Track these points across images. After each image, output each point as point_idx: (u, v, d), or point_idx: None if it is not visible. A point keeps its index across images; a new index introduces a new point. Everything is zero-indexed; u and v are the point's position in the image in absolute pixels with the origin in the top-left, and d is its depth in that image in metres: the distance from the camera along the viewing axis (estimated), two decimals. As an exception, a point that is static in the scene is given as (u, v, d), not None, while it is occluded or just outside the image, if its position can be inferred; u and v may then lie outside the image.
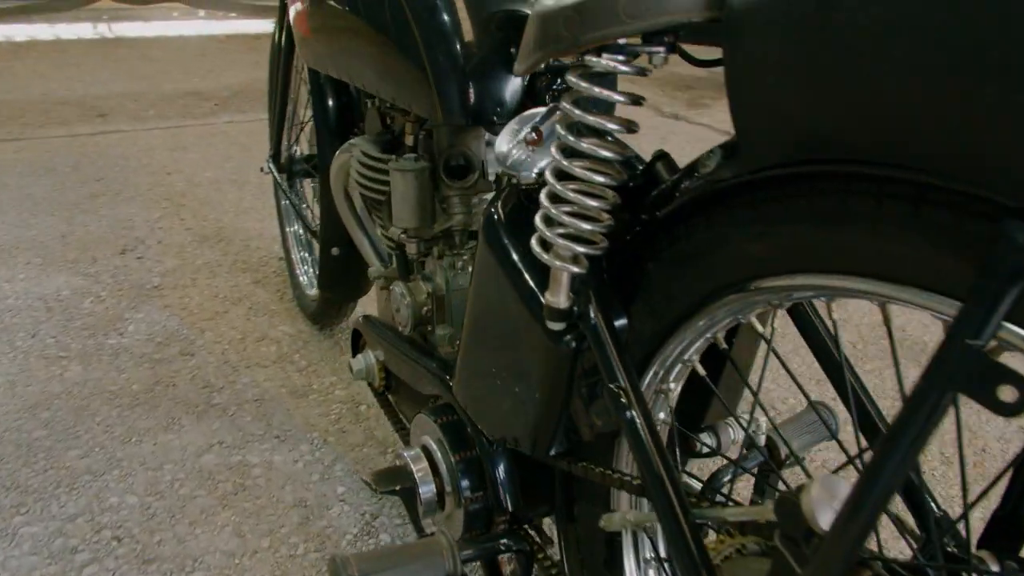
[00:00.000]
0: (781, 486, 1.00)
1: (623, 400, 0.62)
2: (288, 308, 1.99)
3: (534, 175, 0.70)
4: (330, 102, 1.43)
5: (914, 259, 0.47)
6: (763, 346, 0.81)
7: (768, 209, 0.56)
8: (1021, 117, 0.37)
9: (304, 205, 1.88)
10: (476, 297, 0.81)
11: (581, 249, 0.62)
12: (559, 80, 0.86)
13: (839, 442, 0.64)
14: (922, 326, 1.95)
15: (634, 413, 0.61)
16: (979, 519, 0.65)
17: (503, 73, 0.86)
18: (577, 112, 0.59)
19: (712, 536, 0.67)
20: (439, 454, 0.95)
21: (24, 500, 1.30)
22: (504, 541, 0.87)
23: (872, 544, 0.52)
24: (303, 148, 1.86)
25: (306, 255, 1.96)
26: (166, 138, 3.41)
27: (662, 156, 0.67)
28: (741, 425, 0.78)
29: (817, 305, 0.72)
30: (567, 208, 0.62)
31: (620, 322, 0.67)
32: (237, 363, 1.73)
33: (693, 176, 0.61)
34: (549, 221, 0.64)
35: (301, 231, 1.96)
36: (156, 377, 1.67)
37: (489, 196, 1.13)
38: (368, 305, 1.92)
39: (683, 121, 4.00)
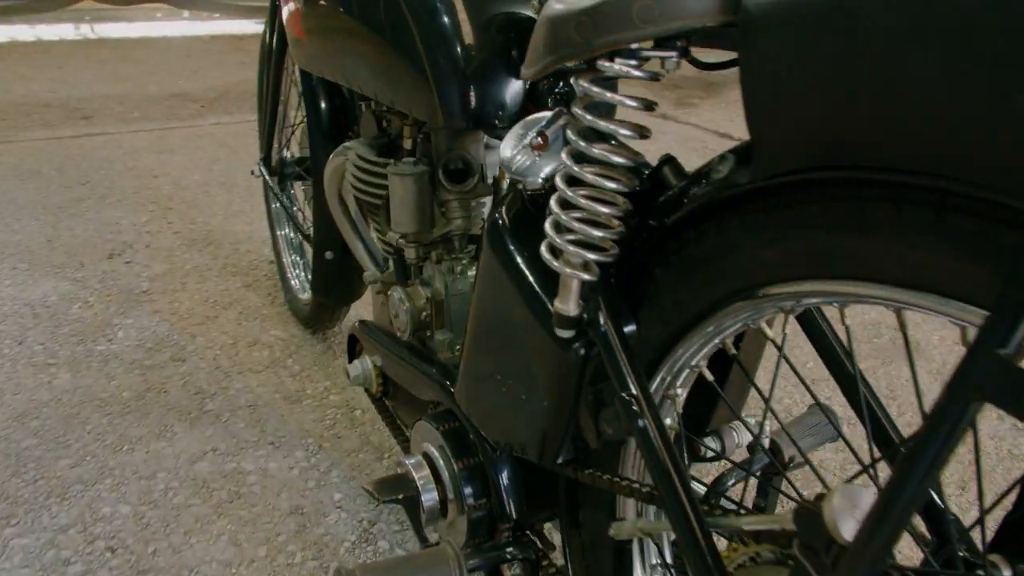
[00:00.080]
0: (785, 488, 1.00)
1: (635, 408, 0.61)
2: (280, 312, 1.97)
3: (540, 180, 0.69)
4: (323, 104, 1.42)
5: (934, 266, 0.46)
6: (770, 350, 0.81)
7: (782, 215, 0.55)
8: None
9: (295, 208, 1.86)
10: (480, 303, 0.80)
11: (592, 256, 0.62)
12: (561, 83, 0.85)
13: (849, 445, 0.64)
14: (914, 325, 1.96)
15: (646, 421, 0.61)
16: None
17: (504, 76, 0.85)
18: (589, 117, 0.58)
19: (723, 543, 0.66)
20: (441, 461, 0.94)
21: (14, 511, 1.28)
22: (510, 549, 0.86)
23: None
24: (294, 151, 1.84)
25: (297, 259, 1.95)
26: (152, 140, 3.38)
27: (669, 160, 0.66)
28: (750, 429, 0.78)
29: (826, 310, 0.72)
30: (577, 214, 0.61)
31: (629, 328, 0.66)
32: (229, 368, 1.71)
33: (704, 181, 0.60)
34: (559, 227, 0.63)
35: (292, 234, 1.94)
36: (147, 384, 1.65)
37: (487, 200, 1.13)
38: (361, 309, 1.90)
39: (671, 121, 4.00)
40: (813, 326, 0.73)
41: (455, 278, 1.07)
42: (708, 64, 0.63)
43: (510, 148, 0.72)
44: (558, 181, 0.62)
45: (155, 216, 2.55)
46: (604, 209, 0.60)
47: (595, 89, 0.57)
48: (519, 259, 0.72)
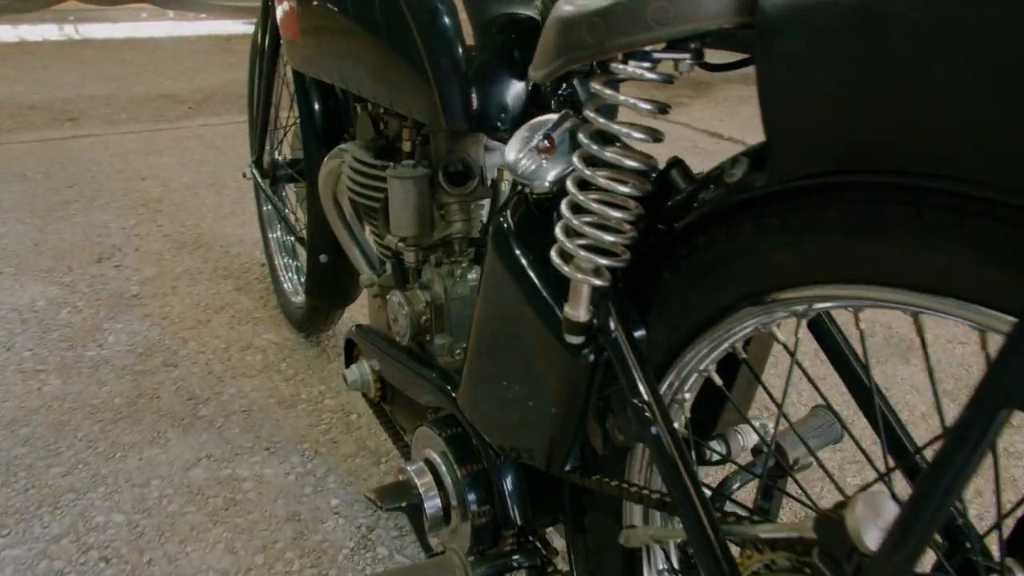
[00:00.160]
0: (789, 489, 0.99)
1: (647, 414, 0.61)
2: (272, 316, 1.95)
3: (547, 184, 0.68)
4: (316, 106, 1.40)
5: (956, 270, 0.46)
6: (775, 353, 0.80)
7: (798, 218, 0.54)
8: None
9: (287, 210, 1.84)
10: (484, 308, 0.79)
11: (603, 261, 0.61)
12: (564, 85, 0.84)
13: (860, 448, 0.63)
14: (906, 323, 1.97)
15: (660, 428, 0.60)
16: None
17: (507, 77, 0.84)
18: (602, 120, 0.57)
19: (735, 549, 0.65)
20: (443, 467, 0.93)
21: (5, 521, 1.26)
22: (516, 557, 0.85)
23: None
24: (286, 153, 1.82)
25: (290, 261, 1.93)
26: (139, 142, 3.34)
27: (677, 163, 0.66)
28: (759, 433, 0.77)
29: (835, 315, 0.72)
30: (589, 219, 0.60)
31: (640, 334, 0.65)
32: (222, 373, 1.69)
33: (716, 185, 0.59)
34: (570, 232, 0.62)
35: (284, 237, 1.92)
36: (139, 389, 1.62)
37: (486, 202, 1.11)
38: (355, 312, 1.89)
39: (661, 120, 4.01)
40: (823, 330, 0.72)
41: (455, 282, 1.05)
42: (715, 65, 0.63)
43: (515, 151, 0.70)
44: (569, 185, 0.61)
45: (144, 219, 2.52)
46: (616, 213, 0.59)
47: (608, 92, 0.56)
48: (526, 264, 0.71)
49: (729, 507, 0.77)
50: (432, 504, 0.92)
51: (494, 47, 0.84)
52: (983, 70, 0.39)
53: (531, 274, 0.70)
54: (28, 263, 2.17)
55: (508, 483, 0.88)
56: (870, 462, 0.58)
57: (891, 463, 0.62)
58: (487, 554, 0.89)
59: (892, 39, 0.42)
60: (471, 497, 0.89)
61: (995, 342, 0.49)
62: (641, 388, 0.61)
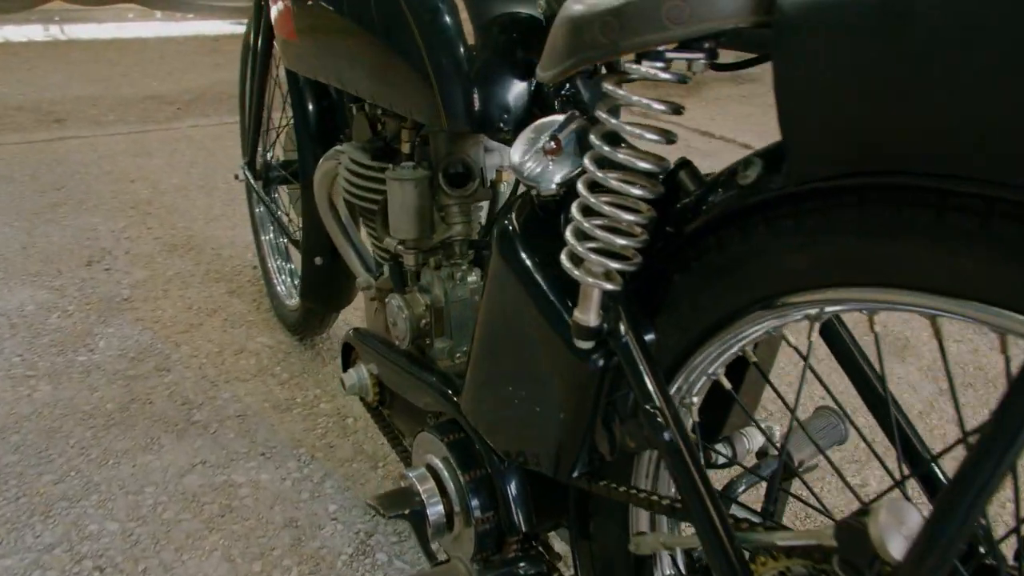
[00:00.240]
0: (793, 491, 0.98)
1: (659, 420, 0.60)
2: (266, 319, 1.93)
3: (554, 187, 0.67)
4: (311, 107, 1.39)
5: (977, 273, 0.45)
6: (785, 357, 0.80)
7: (813, 220, 0.53)
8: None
9: (280, 212, 1.83)
10: (489, 311, 0.78)
11: (615, 265, 0.60)
12: (567, 86, 0.83)
13: (871, 447, 0.62)
14: (903, 321, 1.97)
15: (672, 433, 0.59)
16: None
17: (510, 77, 0.83)
18: (614, 121, 0.56)
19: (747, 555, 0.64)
20: (446, 473, 0.91)
21: (-3, 531, 1.24)
22: (522, 564, 0.84)
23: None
24: (278, 154, 1.80)
25: (283, 264, 1.91)
26: (128, 144, 3.31)
27: (685, 164, 0.65)
28: (768, 436, 0.76)
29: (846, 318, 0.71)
30: (600, 222, 0.59)
31: (650, 338, 0.64)
32: (216, 378, 1.67)
33: (728, 186, 0.58)
34: (580, 235, 0.61)
35: (278, 239, 1.90)
36: (131, 395, 1.60)
37: (485, 204, 1.10)
38: (350, 314, 1.87)
39: (652, 119, 4.00)
40: (833, 333, 0.72)
41: (455, 284, 1.04)
42: (724, 65, 0.62)
43: (521, 153, 0.69)
44: (580, 187, 0.60)
45: (134, 221, 2.49)
46: (628, 216, 0.58)
47: (621, 92, 0.55)
48: (532, 267, 0.70)
49: (734, 510, 0.76)
50: (435, 511, 0.91)
51: (496, 47, 0.83)
52: (1006, 69, 0.38)
53: (538, 278, 0.69)
54: (16, 267, 2.14)
55: (512, 488, 0.87)
56: (885, 468, 0.57)
57: (905, 470, 0.61)
58: (491, 561, 0.87)
59: (913, 38, 0.42)
60: (474, 503, 0.88)
61: (1015, 345, 0.48)
62: (653, 393, 0.60)
